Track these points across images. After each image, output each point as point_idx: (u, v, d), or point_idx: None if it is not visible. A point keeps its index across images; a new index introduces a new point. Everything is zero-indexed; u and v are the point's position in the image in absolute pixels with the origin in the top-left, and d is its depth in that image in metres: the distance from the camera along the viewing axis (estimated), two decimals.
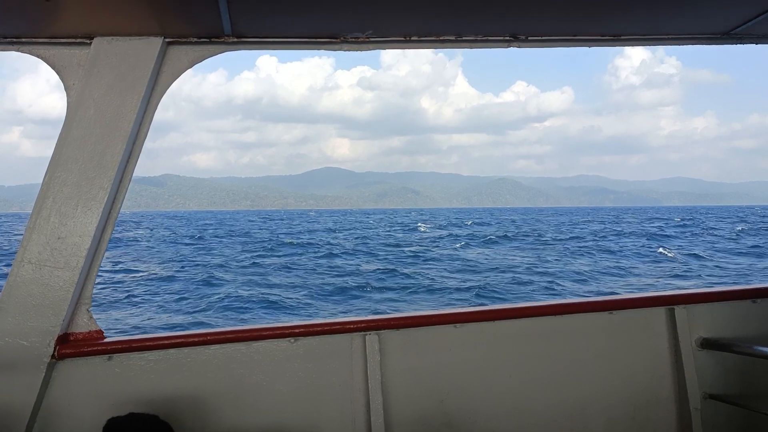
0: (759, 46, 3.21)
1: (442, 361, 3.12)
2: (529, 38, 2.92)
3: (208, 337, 2.89)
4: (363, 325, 3.04)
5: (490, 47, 2.99)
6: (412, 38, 2.84)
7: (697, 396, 3.28)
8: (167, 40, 2.65)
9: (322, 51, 2.82)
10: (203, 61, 2.78)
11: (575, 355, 3.27)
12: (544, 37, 2.93)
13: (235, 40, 2.72)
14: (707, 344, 3.34)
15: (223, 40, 2.70)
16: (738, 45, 3.19)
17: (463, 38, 2.88)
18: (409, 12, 2.58)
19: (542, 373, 3.22)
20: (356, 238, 54.12)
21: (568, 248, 39.85)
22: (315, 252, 39.16)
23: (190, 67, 2.75)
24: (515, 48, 2.99)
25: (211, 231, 73.97)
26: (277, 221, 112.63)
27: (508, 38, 2.90)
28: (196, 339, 2.88)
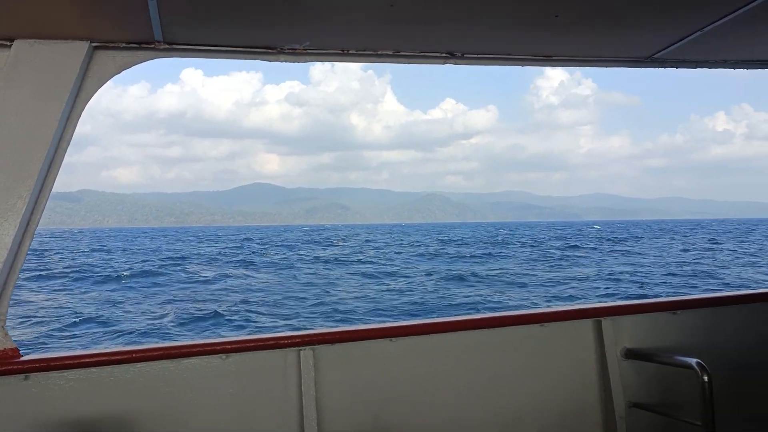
0: (678, 70, 3.40)
1: (378, 375, 3.13)
2: (465, 56, 3.01)
3: (134, 355, 2.79)
4: (298, 340, 3.01)
5: (427, 63, 3.05)
6: (350, 51, 2.88)
7: (621, 405, 3.39)
8: (94, 44, 2.55)
9: (257, 62, 2.81)
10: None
11: (508, 367, 3.34)
12: (479, 55, 3.04)
13: (166, 46, 2.65)
14: (631, 354, 3.46)
15: (153, 46, 2.63)
16: (659, 69, 3.36)
17: (401, 53, 2.95)
18: (347, 25, 2.64)
19: (477, 384, 3.29)
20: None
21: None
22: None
23: (118, 72, 2.67)
24: (451, 65, 3.08)
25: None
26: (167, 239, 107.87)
27: (444, 55, 2.99)
28: (120, 357, 2.77)
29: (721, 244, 63.17)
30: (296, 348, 2.98)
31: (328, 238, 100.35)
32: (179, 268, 41.35)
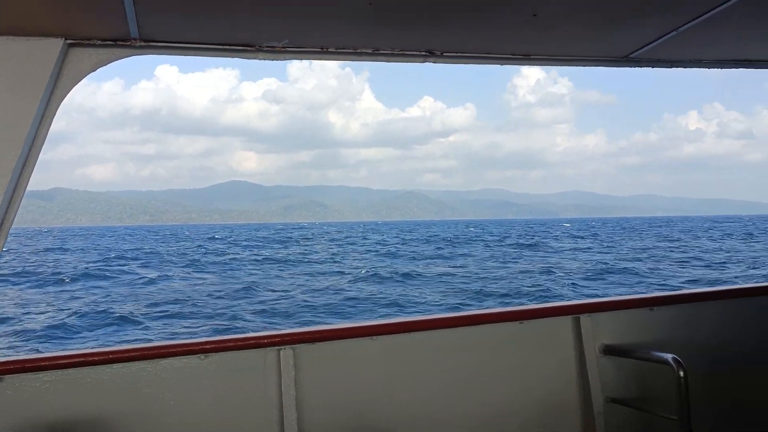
0: (655, 69, 3.42)
1: (359, 374, 3.14)
2: (444, 54, 3.01)
3: (111, 356, 2.77)
4: (277, 339, 3.00)
5: (407, 62, 3.06)
6: (329, 50, 2.86)
7: (600, 400, 3.43)
8: (69, 41, 2.49)
9: (234, 59, 2.79)
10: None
11: (488, 364, 3.38)
12: (458, 54, 3.04)
13: (143, 44, 2.60)
14: (609, 350, 3.50)
15: (129, 43, 2.59)
16: (636, 68, 3.38)
17: (380, 52, 2.94)
18: (326, 23, 2.63)
19: (457, 381, 3.32)
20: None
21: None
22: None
23: (94, 70, 2.62)
24: (430, 63, 3.08)
25: None
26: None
27: (424, 53, 2.99)
28: (97, 358, 2.75)
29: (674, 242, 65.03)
30: (276, 347, 2.98)
31: (292, 237, 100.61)
32: (126, 268, 41.60)
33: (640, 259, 44.06)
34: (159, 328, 19.98)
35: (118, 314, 21.88)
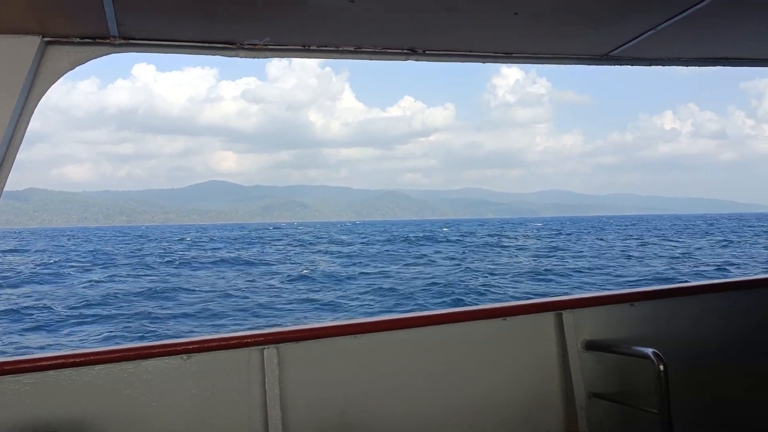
0: (634, 67, 3.44)
1: (343, 372, 3.13)
2: (426, 52, 3.00)
3: (92, 357, 2.73)
4: (261, 338, 2.98)
5: (389, 59, 3.04)
6: (311, 47, 2.83)
7: (582, 395, 3.46)
8: (46, 39, 2.44)
9: (212, 57, 2.79)
10: (76, 68, 2.60)
11: (472, 360, 3.39)
12: (440, 52, 3.04)
13: (122, 41, 2.56)
14: (591, 346, 3.52)
15: (108, 41, 2.54)
16: (616, 66, 3.41)
17: (362, 50, 2.92)
18: (308, 21, 2.60)
19: (441, 379, 3.31)
20: None
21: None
22: None
23: (72, 68, 2.57)
24: (413, 61, 3.07)
25: None
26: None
27: (406, 51, 2.98)
28: (78, 359, 2.71)
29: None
30: (260, 347, 2.97)
31: (263, 237, 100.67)
32: (74, 269, 41.74)
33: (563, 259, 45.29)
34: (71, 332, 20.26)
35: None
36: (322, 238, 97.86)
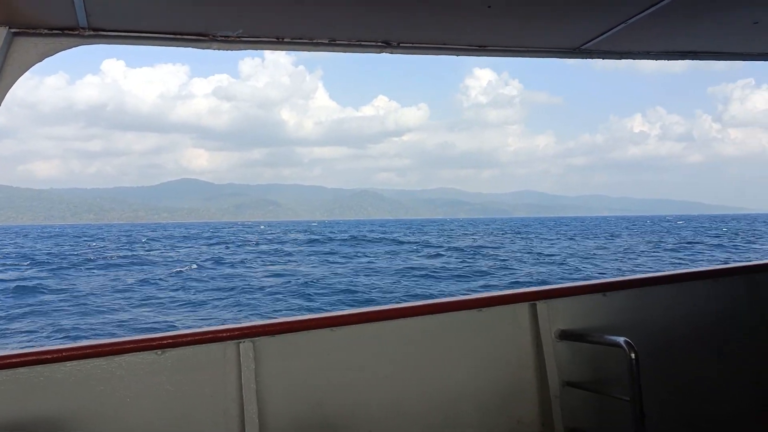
0: (605, 61, 3.50)
1: (320, 365, 3.12)
2: (401, 45, 3.00)
3: (64, 353, 2.68)
4: (237, 332, 2.95)
5: (363, 52, 3.03)
6: (285, 40, 2.80)
7: (556, 384, 3.49)
8: (13, 30, 2.39)
9: (184, 53, 2.77)
10: (44, 60, 2.52)
11: (448, 351, 3.40)
12: (414, 45, 3.03)
13: (92, 33, 2.49)
14: (565, 335, 3.55)
15: (77, 32, 2.47)
16: (587, 59, 3.44)
17: (337, 42, 2.90)
18: (282, 13, 2.57)
19: (418, 370, 3.32)
20: None
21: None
22: None
23: (40, 60, 2.50)
24: (387, 54, 3.06)
25: None
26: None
27: (380, 44, 2.97)
28: (49, 356, 2.65)
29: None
30: (236, 341, 2.94)
31: (222, 237, 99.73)
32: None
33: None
34: None
35: None
36: (280, 236, 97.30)
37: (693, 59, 3.59)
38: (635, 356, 2.97)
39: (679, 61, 3.61)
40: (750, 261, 4.73)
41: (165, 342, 2.86)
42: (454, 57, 3.26)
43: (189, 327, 15.87)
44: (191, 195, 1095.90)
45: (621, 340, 3.08)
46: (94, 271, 41.18)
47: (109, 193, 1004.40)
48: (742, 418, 3.93)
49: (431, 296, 24.71)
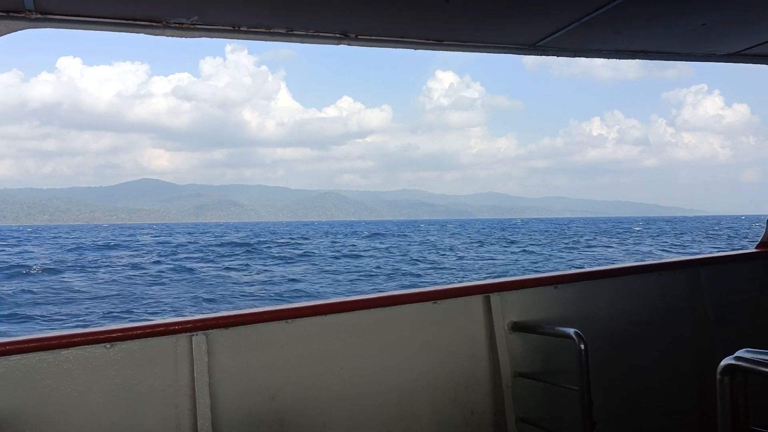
0: (559, 57, 3.55)
1: (275, 358, 3.09)
2: (359, 37, 3.00)
3: (7, 347, 2.59)
4: (189, 325, 2.91)
5: (321, 43, 3.00)
6: (241, 28, 2.75)
7: (508, 375, 3.54)
8: None
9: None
10: None
11: (403, 343, 3.41)
12: (373, 37, 3.04)
13: (39, 16, 2.40)
14: (517, 327, 3.61)
15: (23, 15, 2.38)
16: (542, 56, 3.50)
17: (294, 33, 2.88)
18: (238, 0, 2.51)
19: (373, 362, 3.33)
20: None
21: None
22: None
23: None
24: (345, 45, 3.05)
25: None
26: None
27: (338, 36, 2.97)
28: None
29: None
30: (188, 334, 2.89)
31: (171, 241, 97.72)
32: None
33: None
34: None
35: None
36: (234, 237, 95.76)
37: (643, 59, 3.70)
38: (584, 347, 3.06)
39: (631, 60, 3.72)
40: (695, 255, 4.97)
41: (114, 335, 2.78)
42: (413, 52, 3.30)
43: (138, 320, 15.72)
44: (151, 196, 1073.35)
45: (571, 331, 3.17)
46: None
47: (65, 194, 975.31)
48: (683, 405, 4.10)
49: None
